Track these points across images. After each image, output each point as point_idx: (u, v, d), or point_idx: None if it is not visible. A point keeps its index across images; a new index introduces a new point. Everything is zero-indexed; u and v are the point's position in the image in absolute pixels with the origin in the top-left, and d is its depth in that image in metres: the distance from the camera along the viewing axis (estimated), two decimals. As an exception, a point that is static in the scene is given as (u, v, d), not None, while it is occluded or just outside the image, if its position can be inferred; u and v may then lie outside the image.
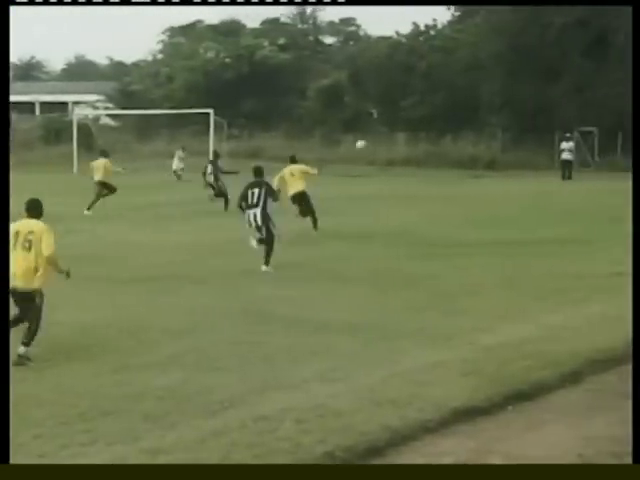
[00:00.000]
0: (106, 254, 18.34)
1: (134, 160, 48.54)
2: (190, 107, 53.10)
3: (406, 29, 58.95)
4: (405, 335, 11.35)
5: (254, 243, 16.86)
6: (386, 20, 65.39)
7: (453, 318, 12.30)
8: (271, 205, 17.00)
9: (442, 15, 79.30)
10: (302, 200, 22.01)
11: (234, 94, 60.89)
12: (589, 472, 6.70)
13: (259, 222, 16.77)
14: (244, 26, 72.85)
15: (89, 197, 26.79)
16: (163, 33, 76.02)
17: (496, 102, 49.86)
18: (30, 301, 10.50)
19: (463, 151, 47.85)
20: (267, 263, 16.63)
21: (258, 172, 17.46)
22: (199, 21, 74.81)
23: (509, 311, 12.80)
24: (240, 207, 17.19)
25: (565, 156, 42.29)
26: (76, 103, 69.90)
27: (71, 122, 50.68)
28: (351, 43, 75.79)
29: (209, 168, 28.55)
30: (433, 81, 53.35)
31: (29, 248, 10.44)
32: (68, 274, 10.85)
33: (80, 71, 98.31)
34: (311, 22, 76.67)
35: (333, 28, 78.53)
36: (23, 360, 10.29)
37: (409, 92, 54.10)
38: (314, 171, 22.75)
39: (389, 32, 62.80)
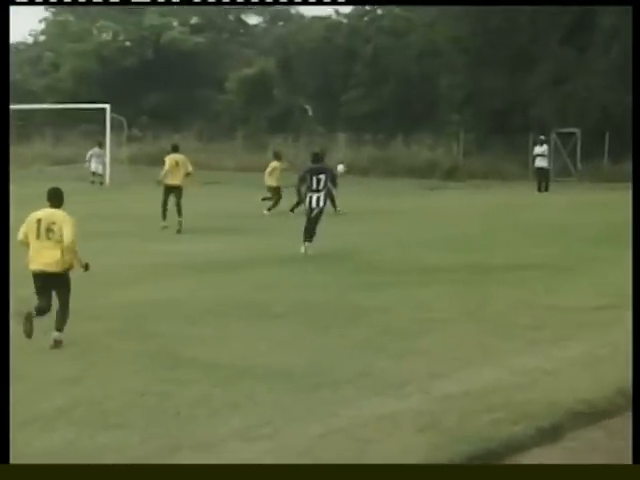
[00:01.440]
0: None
1: (11, 166, 48.05)
2: (81, 101, 52.78)
3: (347, 7, 59.32)
4: (347, 382, 11.37)
5: (303, 249, 20.86)
6: (323, -5, 65.45)
7: (405, 360, 12.35)
8: (330, 190, 21.42)
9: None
10: (178, 194, 25.57)
11: (136, 86, 60.81)
12: (589, 472, 7.62)
13: (321, 205, 21.29)
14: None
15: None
16: (46, 10, 75.50)
17: (457, 97, 50.24)
18: (59, 285, 13.04)
19: (417, 156, 48.19)
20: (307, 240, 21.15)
21: (317, 158, 21.73)
22: (92, -5, 74.48)
23: (473, 352, 12.88)
24: (299, 191, 21.58)
25: (539, 163, 41.89)
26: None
27: None
28: (280, 24, 75.86)
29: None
30: (380, 70, 53.71)
31: (51, 237, 12.86)
32: (87, 267, 13.30)
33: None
34: (231, -3, 76.70)
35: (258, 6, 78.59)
36: (59, 345, 12.86)
37: (351, 84, 54.45)
38: (190, 168, 26.17)
39: (327, 11, 63.12)
